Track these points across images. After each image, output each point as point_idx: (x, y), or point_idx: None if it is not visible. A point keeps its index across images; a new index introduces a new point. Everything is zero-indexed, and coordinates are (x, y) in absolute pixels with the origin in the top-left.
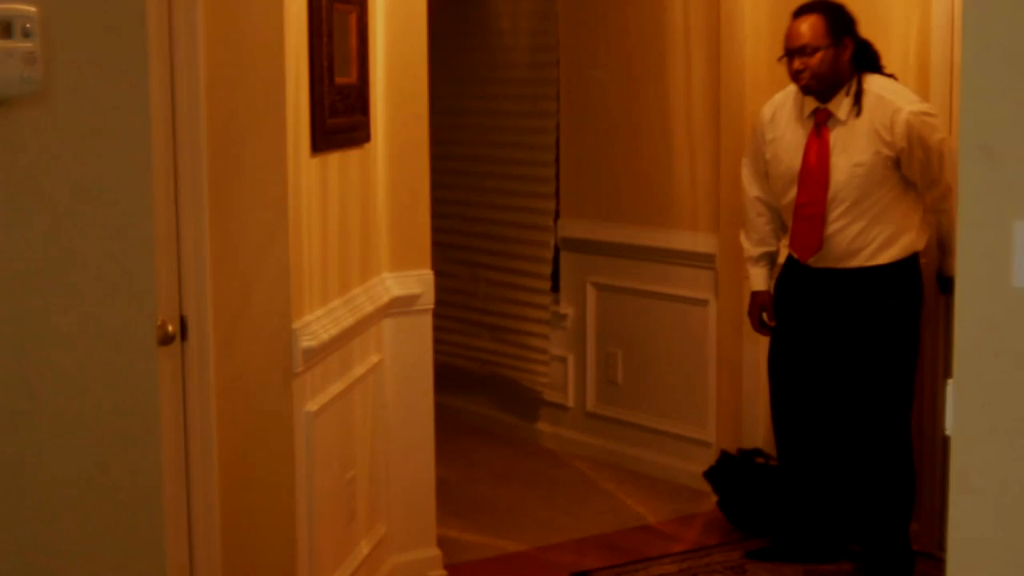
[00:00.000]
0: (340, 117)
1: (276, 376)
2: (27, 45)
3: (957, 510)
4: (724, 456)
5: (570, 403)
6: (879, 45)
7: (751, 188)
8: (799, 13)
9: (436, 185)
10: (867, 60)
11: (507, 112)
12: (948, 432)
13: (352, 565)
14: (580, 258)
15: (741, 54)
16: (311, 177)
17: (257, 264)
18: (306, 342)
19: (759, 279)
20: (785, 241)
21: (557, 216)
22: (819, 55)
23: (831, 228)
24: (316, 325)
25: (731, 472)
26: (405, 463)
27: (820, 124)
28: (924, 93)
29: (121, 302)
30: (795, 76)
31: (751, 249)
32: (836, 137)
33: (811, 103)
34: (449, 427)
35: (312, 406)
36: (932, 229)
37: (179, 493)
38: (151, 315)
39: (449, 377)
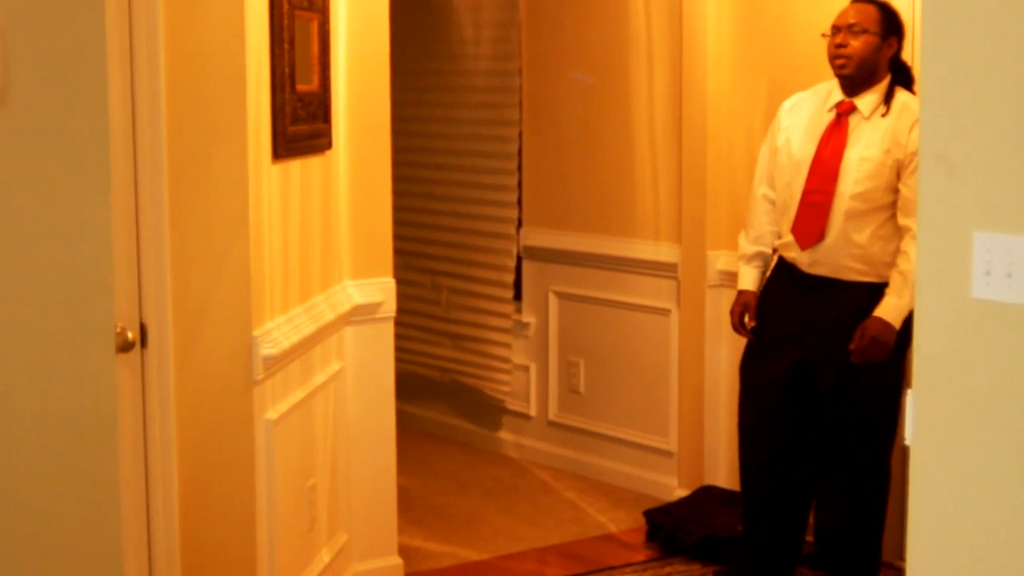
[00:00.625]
0: (301, 124)
1: (236, 383)
2: None
3: (917, 519)
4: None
5: (532, 412)
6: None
7: (760, 185)
8: (856, 0)
9: (398, 193)
10: (904, 76)
11: (469, 120)
12: (908, 442)
13: (313, 573)
14: (542, 267)
15: (703, 64)
16: (272, 184)
17: (217, 271)
18: (267, 349)
19: (748, 278)
20: (783, 241)
21: (520, 225)
22: (864, 38)
23: (834, 225)
24: (277, 332)
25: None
26: (366, 471)
27: (842, 115)
28: None
29: (79, 308)
30: (835, 52)
31: (747, 247)
32: (854, 131)
33: (837, 95)
34: (411, 435)
35: (273, 414)
36: None
37: (138, 501)
38: (109, 321)
39: (411, 385)
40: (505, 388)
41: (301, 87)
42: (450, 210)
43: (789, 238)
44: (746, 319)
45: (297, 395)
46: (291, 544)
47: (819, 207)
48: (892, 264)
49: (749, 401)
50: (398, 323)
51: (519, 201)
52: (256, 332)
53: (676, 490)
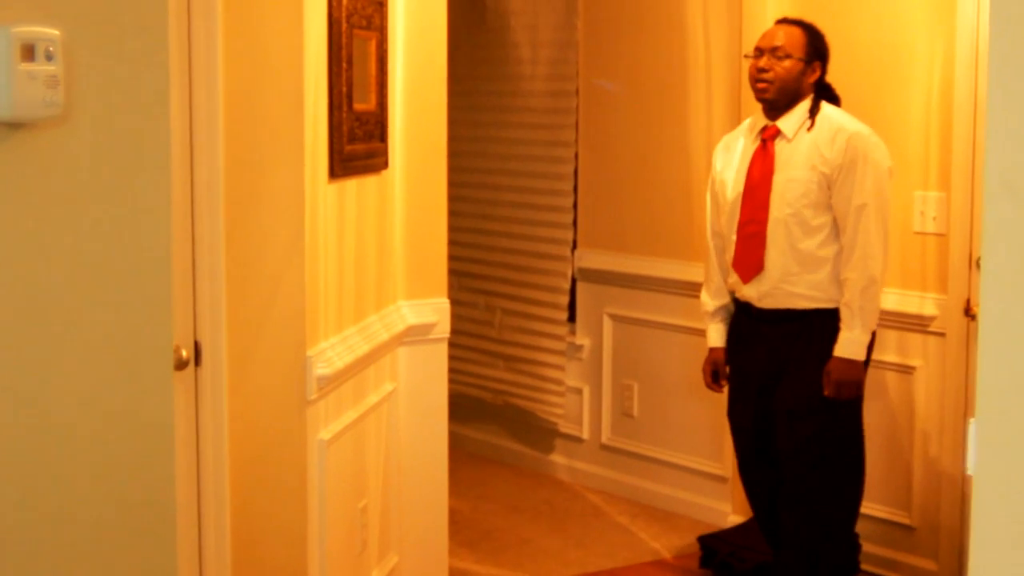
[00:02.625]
0: (358, 143)
1: (290, 403)
2: (50, 68)
3: (978, 552)
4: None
5: (585, 435)
6: (901, 78)
7: (710, 229)
8: (783, 21)
9: (453, 213)
10: (828, 96)
11: (525, 141)
12: (969, 472)
13: None
14: (597, 289)
15: None
16: (328, 204)
17: (273, 290)
18: (320, 369)
19: (715, 335)
20: (730, 281)
21: (574, 246)
22: (789, 62)
23: (772, 252)
24: (331, 352)
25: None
26: (418, 493)
27: (767, 140)
28: (947, 128)
29: (137, 327)
30: (756, 76)
31: (709, 302)
32: (781, 154)
33: (760, 121)
34: (462, 457)
35: (325, 434)
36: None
37: (191, 520)
38: (168, 340)
39: (463, 407)
40: (558, 411)
41: (358, 106)
42: (505, 231)
43: (733, 276)
44: (718, 375)
45: (350, 415)
46: (342, 565)
47: (755, 237)
48: (828, 284)
49: (737, 445)
50: (452, 344)
51: (574, 222)
52: (310, 352)
53: (730, 516)
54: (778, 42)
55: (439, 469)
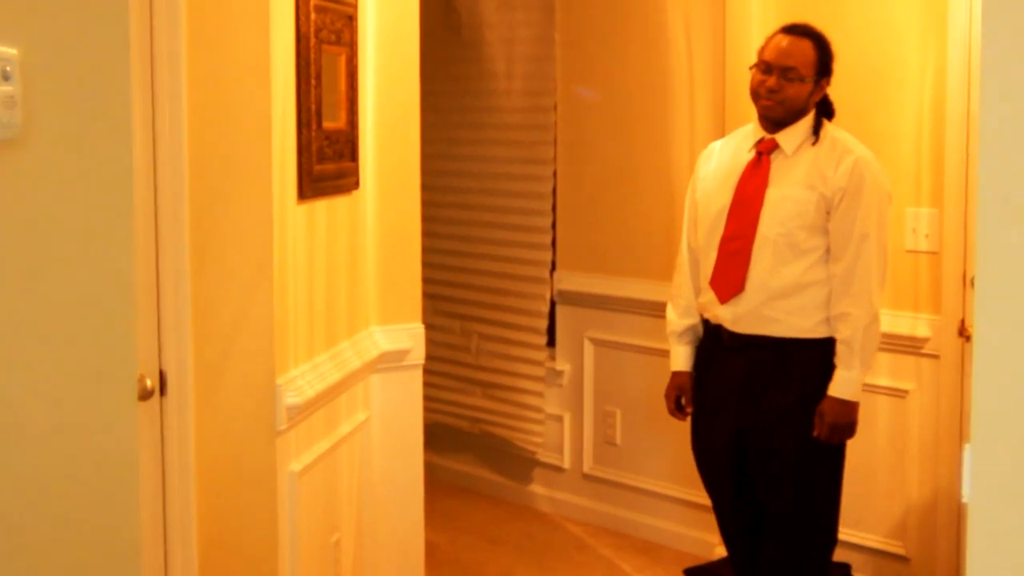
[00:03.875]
0: (328, 163)
1: (259, 434)
2: (7, 89)
3: None
4: None
5: (566, 464)
6: (891, 90)
7: (685, 246)
8: (792, 31)
9: (427, 235)
10: (826, 108)
11: (502, 158)
12: (965, 499)
13: None
14: (577, 312)
15: (748, 103)
16: (297, 226)
17: (240, 316)
18: (290, 398)
19: (681, 358)
20: (703, 299)
21: (553, 268)
22: (798, 85)
23: (754, 272)
24: (301, 381)
25: None
26: (393, 526)
27: (763, 154)
28: (939, 142)
29: (100, 356)
30: (764, 92)
31: (676, 320)
32: (777, 169)
33: (757, 133)
34: (439, 488)
35: (296, 465)
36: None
37: (157, 556)
38: (132, 369)
39: (439, 436)
40: (538, 439)
41: (328, 124)
42: (481, 252)
43: (709, 294)
44: (683, 402)
45: (322, 446)
46: None
47: (738, 254)
48: (824, 316)
49: (702, 473)
50: (427, 371)
51: (553, 243)
52: (280, 380)
53: (717, 547)
54: (791, 62)
55: (414, 501)
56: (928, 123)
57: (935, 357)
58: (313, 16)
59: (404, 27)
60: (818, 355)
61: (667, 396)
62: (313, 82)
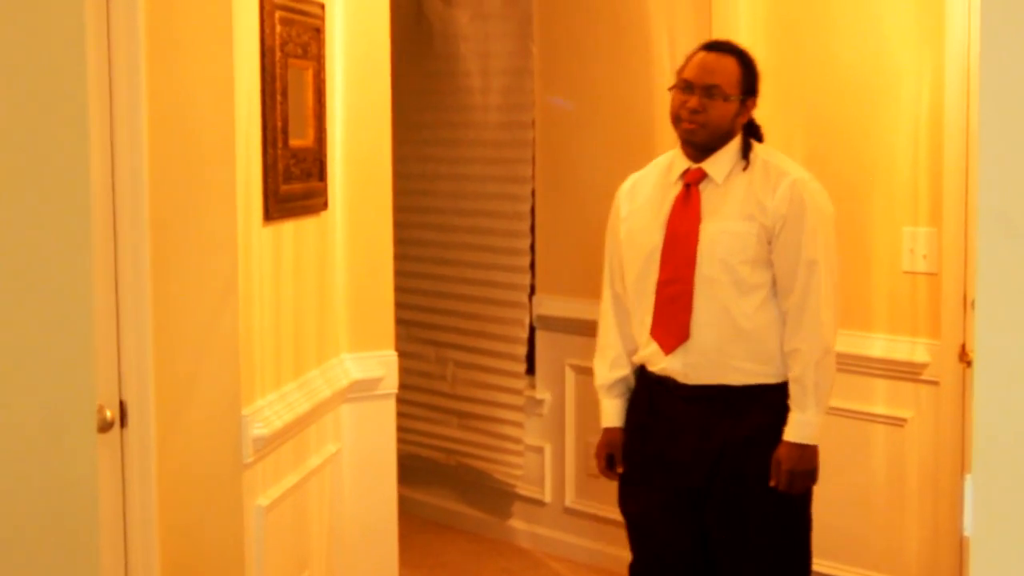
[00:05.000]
0: (295, 183)
1: (224, 467)
2: None
3: None
4: None
5: (547, 498)
6: (886, 103)
7: (608, 292)
8: (714, 48)
9: (400, 257)
10: (756, 134)
11: (478, 177)
12: (967, 533)
13: None
14: (558, 338)
15: None
16: (263, 248)
17: (204, 344)
18: (257, 430)
19: (612, 413)
20: (644, 353)
21: (532, 292)
22: (722, 105)
23: (700, 317)
24: (268, 411)
25: None
26: (365, 563)
27: (691, 185)
28: (937, 158)
29: (57, 386)
30: (686, 114)
31: (604, 373)
32: (708, 200)
33: (681, 163)
34: (414, 523)
35: (264, 500)
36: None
37: None
38: (91, 400)
39: (414, 469)
40: (517, 471)
41: (295, 142)
42: (457, 276)
43: (651, 347)
44: (615, 460)
45: (290, 479)
46: None
47: (679, 299)
48: (783, 357)
49: (636, 541)
50: (400, 400)
51: (532, 266)
52: (246, 411)
53: None
54: (714, 79)
55: (388, 537)
56: (925, 137)
57: (934, 384)
58: (279, 28)
59: (374, 39)
60: (777, 401)
61: (598, 455)
62: (279, 98)
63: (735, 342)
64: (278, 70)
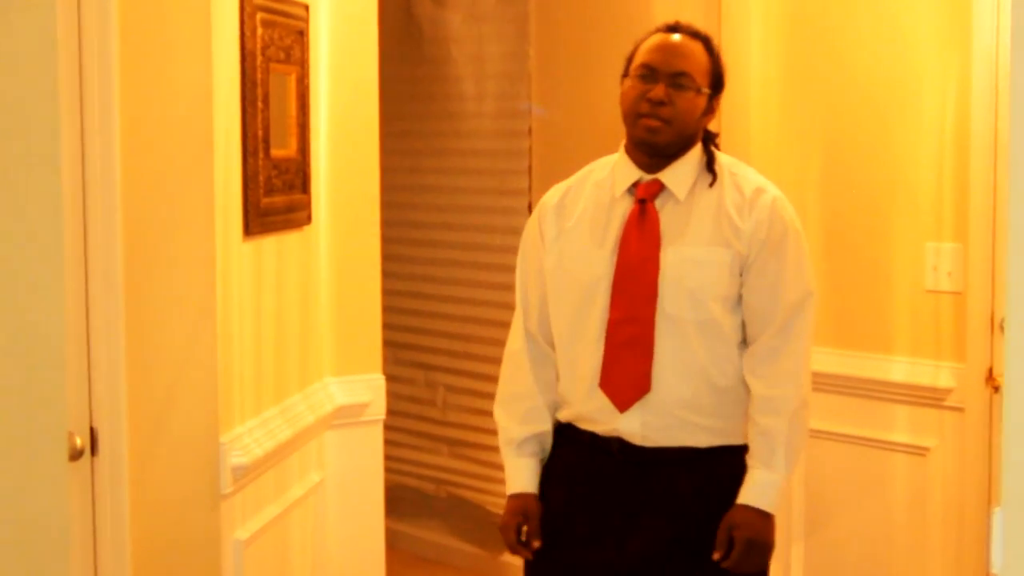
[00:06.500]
0: (277, 195)
1: (201, 498)
2: None
3: None
4: None
5: None
6: (909, 112)
7: (518, 333)
8: (677, 30)
9: (387, 275)
10: (711, 139)
11: (471, 189)
12: (995, 571)
13: None
14: None
15: (746, 126)
16: (243, 265)
17: (180, 367)
18: (236, 458)
19: (524, 476)
20: (583, 409)
21: None
22: (692, 98)
23: (663, 365)
24: (248, 438)
25: None
26: None
27: (646, 201)
28: (963, 169)
29: (26, 412)
30: (647, 108)
31: (513, 428)
32: (669, 221)
33: (629, 173)
34: (402, 559)
35: (243, 533)
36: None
37: None
38: (61, 427)
39: (402, 500)
40: None
41: (276, 152)
42: (448, 295)
43: (593, 402)
44: (525, 533)
45: (271, 511)
46: None
47: (636, 343)
48: (735, 411)
49: None
50: (387, 427)
51: None
52: (224, 438)
53: None
54: (684, 66)
55: (375, 573)
56: (950, 146)
57: (959, 410)
58: (260, 31)
59: (361, 44)
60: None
61: (506, 526)
62: (260, 105)
63: (704, 396)
64: (259, 75)
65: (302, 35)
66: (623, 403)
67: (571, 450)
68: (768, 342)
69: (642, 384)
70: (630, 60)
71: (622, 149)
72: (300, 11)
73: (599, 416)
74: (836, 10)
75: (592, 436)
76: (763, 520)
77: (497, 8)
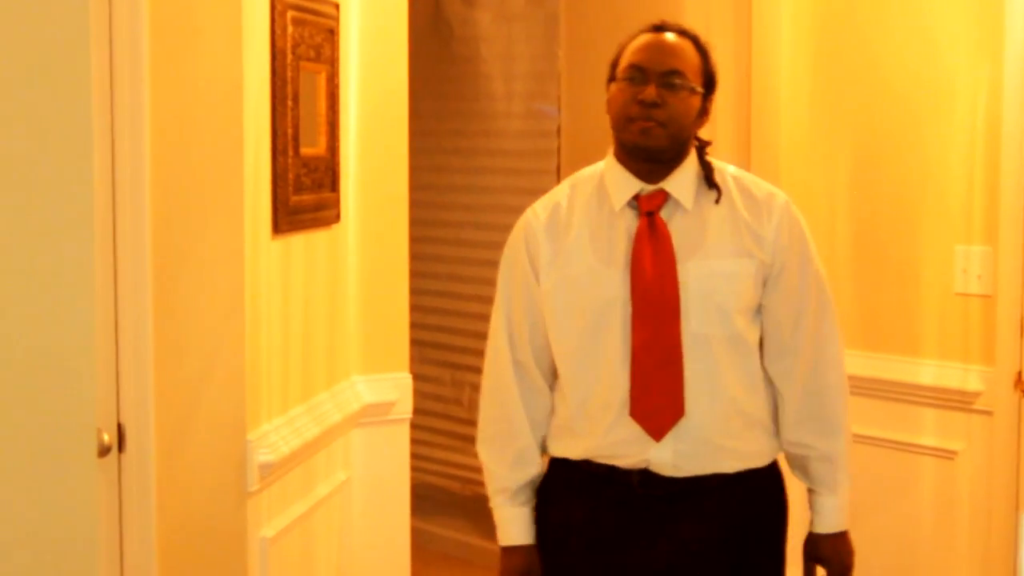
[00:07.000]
0: (306, 194)
1: (228, 495)
2: None
3: None
4: None
5: None
6: (938, 113)
7: (504, 365)
8: (665, 29)
9: (415, 274)
10: (704, 151)
11: (499, 189)
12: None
13: None
14: None
15: (776, 131)
16: (271, 263)
17: (208, 364)
18: (263, 456)
19: (518, 527)
20: (602, 443)
21: None
22: (687, 98)
23: (696, 386)
24: (275, 436)
25: None
26: None
27: (652, 213)
28: (993, 171)
29: (54, 408)
30: (639, 111)
31: (508, 476)
32: (681, 233)
33: (626, 184)
34: (428, 558)
35: (269, 531)
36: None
37: None
38: (89, 423)
39: (429, 499)
40: None
41: (306, 150)
42: (475, 294)
43: (622, 432)
44: None
45: (297, 509)
46: None
47: (667, 366)
48: (769, 430)
49: None
50: (414, 426)
51: None
52: (251, 436)
53: None
54: (677, 64)
55: (401, 572)
56: (980, 148)
57: (988, 413)
58: (290, 29)
59: (391, 43)
60: (766, 487)
61: None
62: (290, 103)
63: (734, 417)
64: (289, 73)
65: (332, 33)
66: (658, 431)
67: (581, 489)
68: (804, 364)
69: (677, 409)
70: (615, 64)
71: (610, 159)
72: (331, 9)
73: (625, 448)
74: (867, 12)
75: (611, 471)
76: (844, 541)
77: (527, 8)
